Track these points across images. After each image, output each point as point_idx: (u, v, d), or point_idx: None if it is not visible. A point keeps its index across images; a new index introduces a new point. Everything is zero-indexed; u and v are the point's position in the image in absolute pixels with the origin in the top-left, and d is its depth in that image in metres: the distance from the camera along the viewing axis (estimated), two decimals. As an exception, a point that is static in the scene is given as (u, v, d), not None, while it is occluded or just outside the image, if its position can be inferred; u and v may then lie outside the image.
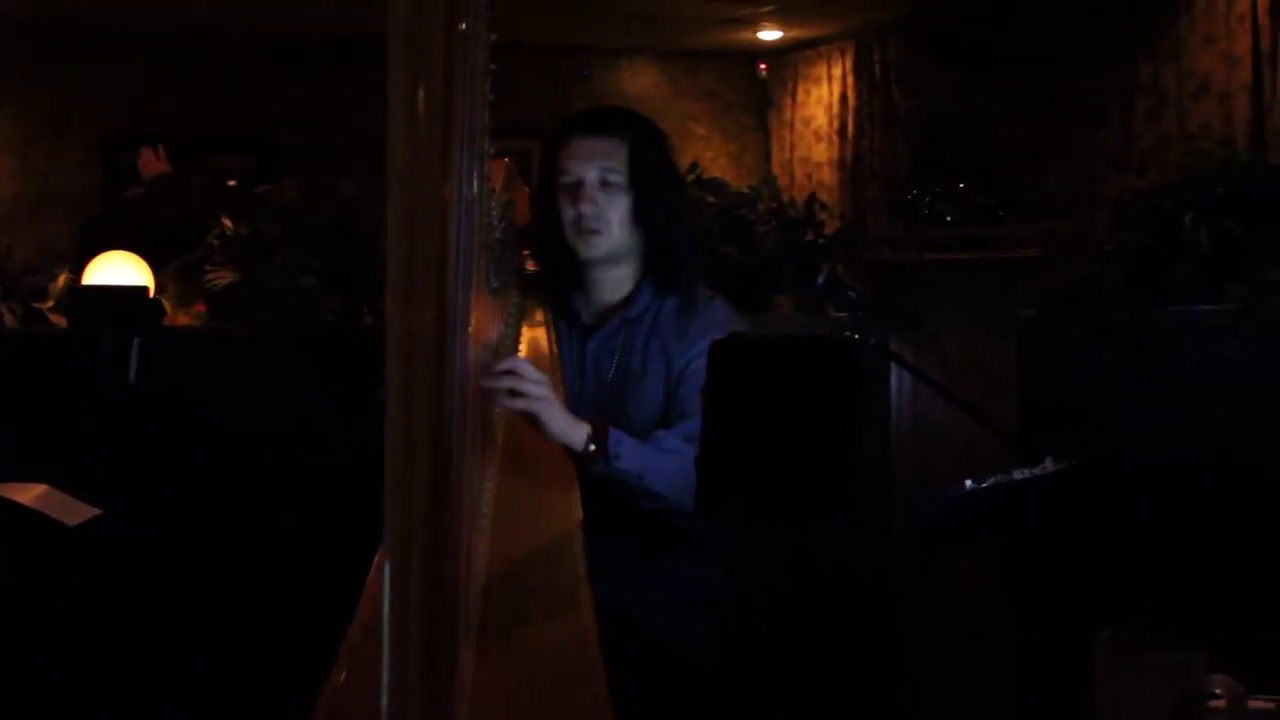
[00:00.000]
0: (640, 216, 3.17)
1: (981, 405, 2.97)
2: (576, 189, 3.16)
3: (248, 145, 10.68)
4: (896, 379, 4.90)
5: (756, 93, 12.51)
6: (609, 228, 3.16)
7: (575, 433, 2.84)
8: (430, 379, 1.31)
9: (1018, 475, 2.72)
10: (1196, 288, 4.83)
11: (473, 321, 2.04)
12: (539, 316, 3.25)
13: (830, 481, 2.34)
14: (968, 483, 2.71)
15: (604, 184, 3.15)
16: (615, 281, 3.26)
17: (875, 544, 4.91)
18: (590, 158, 3.16)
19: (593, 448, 2.84)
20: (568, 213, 3.17)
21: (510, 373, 2.72)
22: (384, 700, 1.33)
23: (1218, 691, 2.48)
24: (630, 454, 2.90)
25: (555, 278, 3.29)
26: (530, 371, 2.75)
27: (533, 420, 2.78)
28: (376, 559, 2.01)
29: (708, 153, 11.69)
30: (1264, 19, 8.02)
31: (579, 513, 2.54)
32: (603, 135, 3.19)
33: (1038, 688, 4.74)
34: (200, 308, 5.07)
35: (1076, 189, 9.17)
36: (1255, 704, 2.60)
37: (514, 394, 2.73)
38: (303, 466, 4.73)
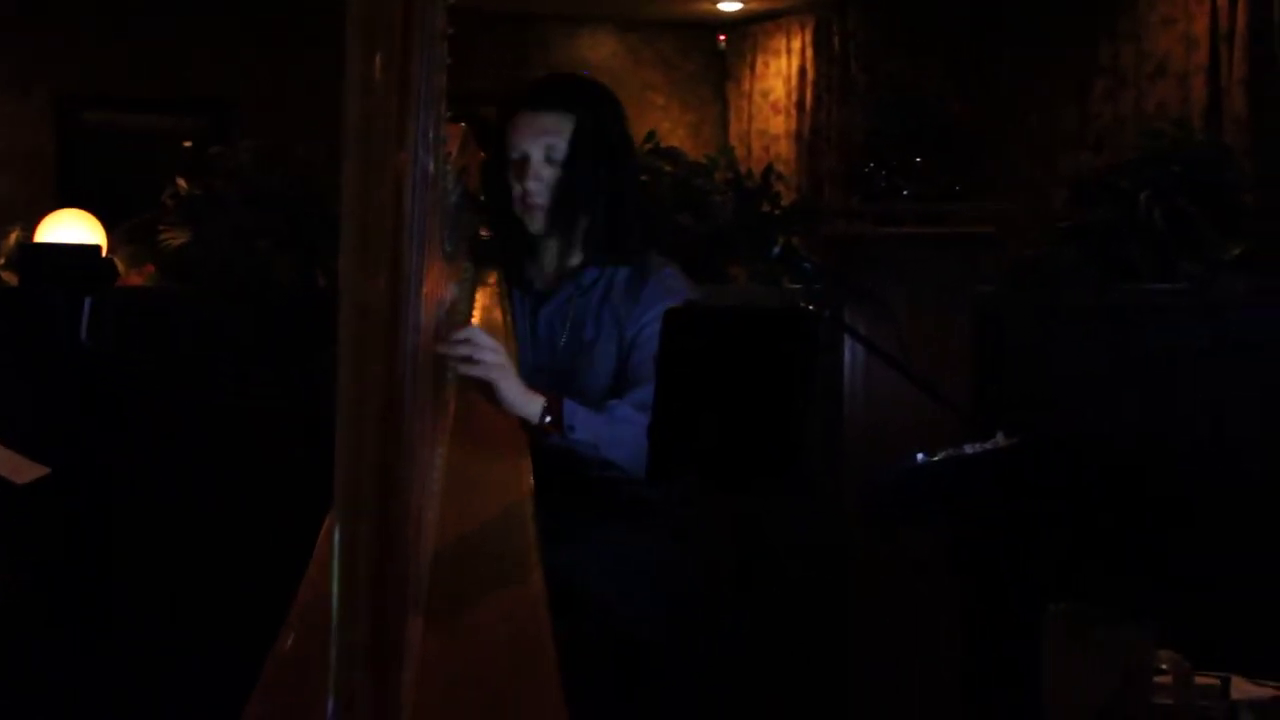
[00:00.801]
0: (587, 191, 3.16)
1: (936, 380, 2.98)
2: (522, 165, 3.16)
3: (204, 106, 10.63)
4: (850, 352, 4.90)
5: (715, 64, 12.50)
6: (554, 203, 3.16)
7: (530, 404, 2.83)
8: (383, 343, 1.31)
9: (969, 450, 2.73)
10: (1151, 267, 4.86)
11: (426, 286, 2.03)
12: (493, 282, 3.24)
13: (782, 454, 2.34)
14: (919, 456, 2.72)
15: (549, 160, 3.15)
16: (566, 251, 3.25)
17: (827, 517, 4.92)
18: (536, 134, 3.16)
19: (548, 419, 2.84)
20: (514, 188, 3.17)
21: (466, 341, 2.71)
22: (332, 665, 1.33)
23: (1164, 667, 2.50)
24: (585, 425, 2.90)
25: (507, 246, 3.29)
26: (486, 340, 2.74)
27: (488, 389, 2.77)
28: (326, 523, 2.01)
29: (665, 123, 11.68)
30: (1222, 1, 8.05)
31: (530, 482, 2.53)
32: (549, 110, 3.17)
33: (986, 663, 4.76)
34: (151, 268, 5.04)
35: (1034, 167, 9.21)
36: (1200, 679, 2.62)
37: (470, 362, 2.72)
38: (253, 428, 4.72)
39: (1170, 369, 4.83)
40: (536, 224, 3.20)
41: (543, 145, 3.15)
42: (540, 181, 3.15)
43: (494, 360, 2.74)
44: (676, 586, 3.19)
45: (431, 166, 1.84)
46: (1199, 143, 5.08)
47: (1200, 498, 4.65)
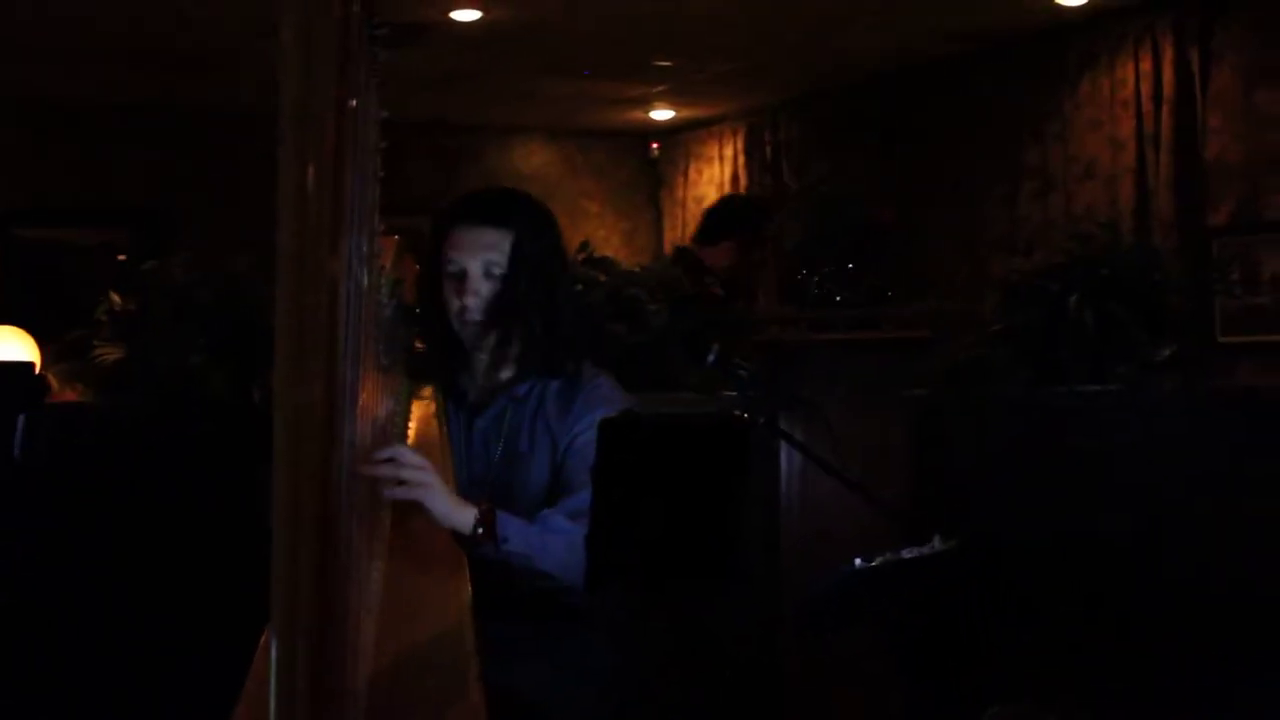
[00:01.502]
0: (525, 306, 3.16)
1: (873, 484, 2.99)
2: (461, 280, 3.15)
3: (137, 218, 10.60)
4: (786, 458, 4.92)
5: (648, 171, 12.57)
6: (492, 318, 3.16)
7: (462, 516, 2.82)
8: (318, 456, 1.30)
9: (906, 554, 2.74)
10: (1082, 368, 4.89)
11: (362, 399, 2.03)
12: (428, 396, 3.24)
13: (719, 559, 2.35)
14: (857, 561, 2.73)
15: (488, 274, 3.14)
16: (501, 363, 3.25)
17: (763, 622, 4.91)
18: (475, 250, 3.15)
19: (480, 531, 2.83)
20: (453, 302, 3.16)
21: (391, 460, 2.70)
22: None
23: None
24: (518, 536, 2.88)
25: (442, 359, 3.28)
26: (411, 458, 2.73)
27: (416, 507, 2.75)
28: (263, 639, 1.99)
29: (600, 230, 11.72)
30: (1147, 104, 8.17)
31: (468, 596, 2.52)
32: (488, 226, 3.16)
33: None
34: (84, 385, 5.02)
35: (965, 270, 9.28)
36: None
37: (395, 481, 2.71)
38: (188, 544, 4.68)
39: (1103, 468, 4.85)
40: (474, 339, 3.20)
41: (481, 261, 3.14)
42: (479, 297, 3.14)
43: (419, 478, 2.72)
44: (616, 691, 3.17)
45: (366, 279, 1.85)
46: (1127, 246, 5.13)
47: (1138, 599, 4.66)
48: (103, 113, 10.45)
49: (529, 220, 3.22)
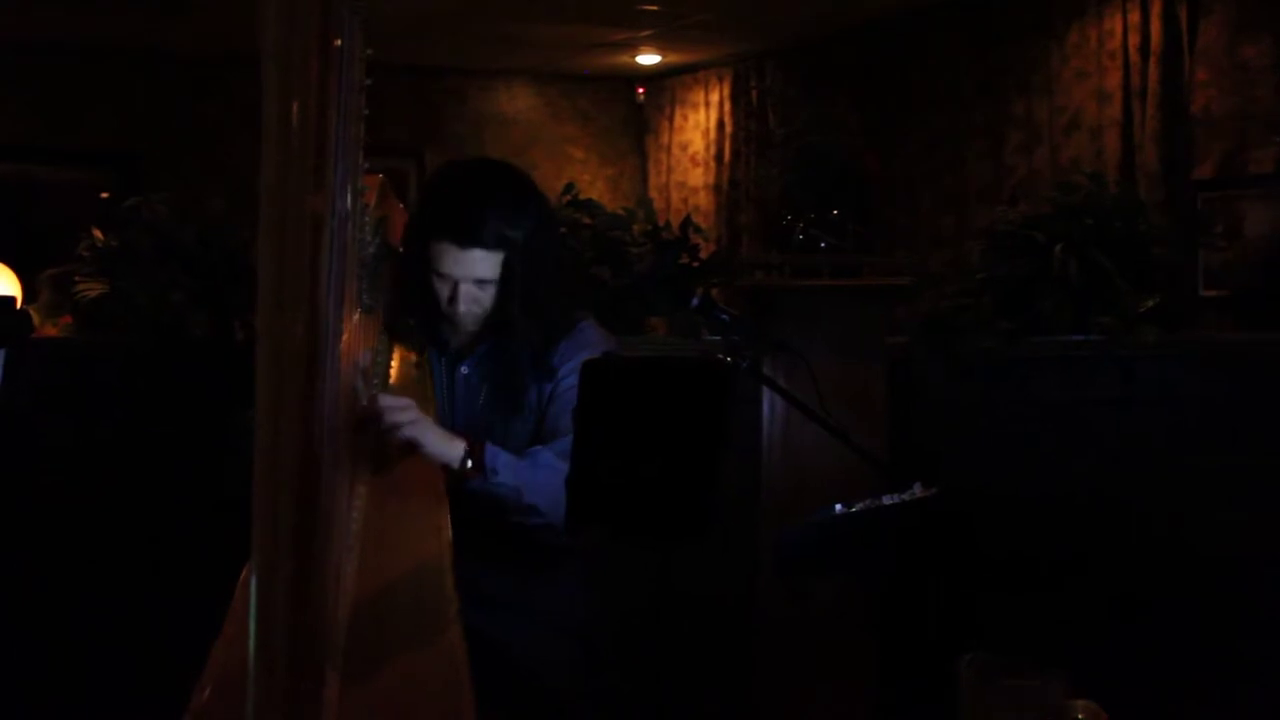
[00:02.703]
0: (514, 308, 3.07)
1: (852, 431, 2.99)
2: (451, 288, 3.04)
3: (110, 159, 10.54)
4: (768, 403, 4.92)
5: (634, 117, 12.53)
6: (481, 314, 3.11)
7: (451, 449, 2.82)
8: (300, 390, 1.30)
9: (887, 500, 2.74)
10: (1065, 318, 4.90)
11: (345, 336, 2.02)
12: (409, 340, 3.21)
13: (699, 503, 2.35)
14: (837, 507, 2.73)
15: (480, 284, 3.03)
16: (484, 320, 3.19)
17: (743, 569, 4.92)
18: (466, 266, 3.01)
19: (469, 463, 2.82)
20: (442, 300, 3.06)
21: (375, 414, 2.69)
22: (249, 718, 1.31)
23: (1079, 716, 2.51)
24: (508, 469, 2.88)
25: (425, 314, 3.19)
26: (391, 401, 2.72)
27: (411, 446, 2.75)
28: (243, 574, 1.99)
29: (584, 175, 11.70)
30: (1134, 56, 8.15)
31: (448, 532, 2.52)
32: (477, 249, 3.00)
33: (899, 713, 4.78)
34: (68, 319, 5.00)
35: (950, 220, 9.29)
36: (1116, 728, 2.63)
37: (391, 428, 2.70)
38: (169, 479, 4.69)
39: (1082, 419, 4.87)
40: (460, 338, 3.16)
41: (472, 278, 3.02)
42: (469, 302, 3.05)
43: (408, 418, 2.72)
44: (589, 633, 3.18)
45: (350, 216, 1.84)
46: (1112, 196, 5.11)
47: (1115, 547, 4.68)
48: (71, 53, 10.37)
49: (521, 233, 3.04)
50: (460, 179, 3.15)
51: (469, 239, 2.99)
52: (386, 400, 2.73)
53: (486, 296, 3.06)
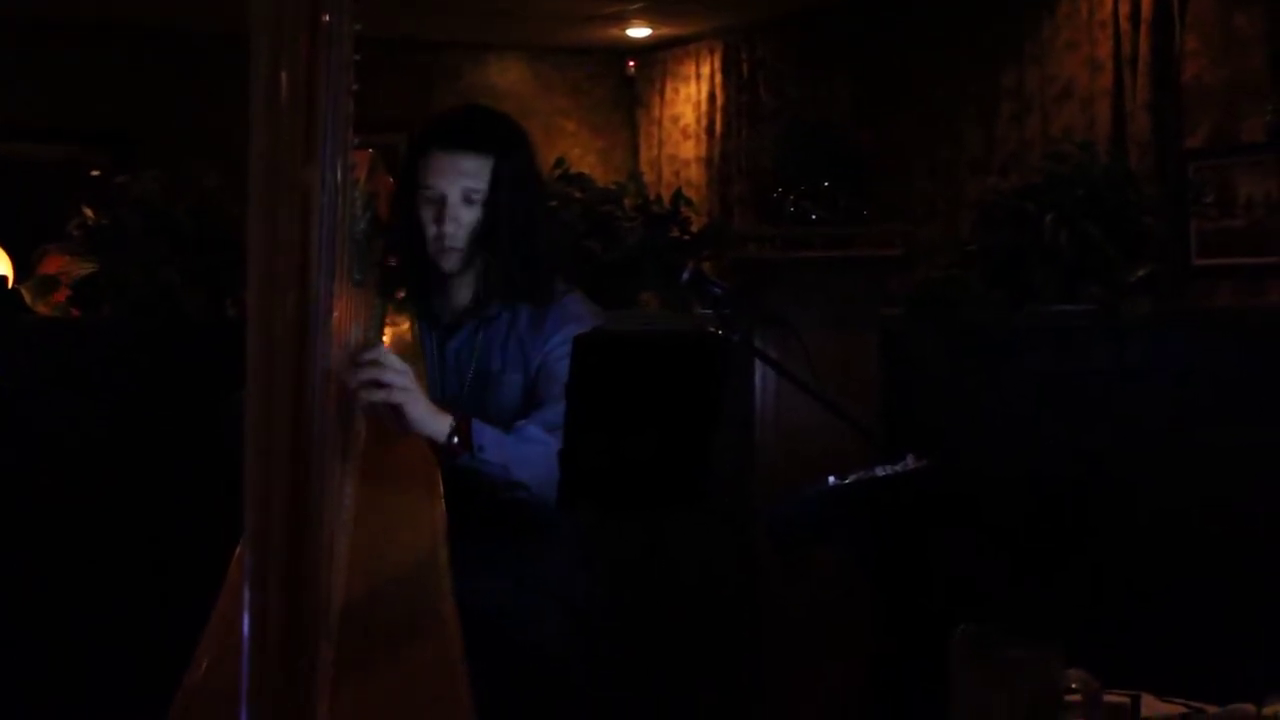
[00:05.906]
0: (504, 232, 3.13)
1: (844, 403, 2.99)
2: (439, 206, 3.11)
3: (105, 138, 10.52)
4: (760, 376, 4.92)
5: (625, 90, 12.49)
6: (470, 243, 3.13)
7: (438, 424, 2.82)
8: (291, 367, 1.30)
9: (880, 472, 2.74)
10: (1056, 289, 4.90)
11: (335, 312, 2.02)
12: (401, 313, 3.22)
13: (692, 476, 2.35)
14: (830, 479, 2.73)
15: (467, 201, 3.10)
16: (473, 284, 3.23)
17: (736, 541, 4.93)
18: (454, 175, 3.10)
19: (456, 439, 2.83)
20: (429, 228, 3.13)
21: (374, 362, 2.69)
22: (244, 694, 1.31)
23: (1074, 686, 2.51)
24: (494, 445, 2.89)
25: (415, 279, 3.24)
26: (394, 361, 2.73)
27: (395, 411, 2.74)
28: (236, 552, 1.99)
29: (576, 149, 11.66)
30: (1125, 25, 8.14)
31: (441, 510, 2.52)
32: (467, 152, 3.11)
33: (893, 685, 4.78)
34: (60, 298, 4.99)
35: (942, 191, 9.29)
36: (1110, 698, 2.64)
37: (376, 385, 2.70)
38: (162, 458, 4.68)
39: (1075, 389, 4.87)
40: (451, 264, 3.17)
41: (460, 188, 3.10)
42: (457, 223, 3.11)
43: (400, 382, 2.72)
44: (585, 606, 3.19)
45: (340, 190, 1.83)
46: (1103, 166, 5.11)
47: (1108, 518, 4.68)
48: (65, 31, 10.33)
49: (509, 145, 3.17)
50: (446, 111, 3.34)
51: (457, 141, 3.12)
52: (385, 355, 2.73)
53: (473, 216, 3.12)
